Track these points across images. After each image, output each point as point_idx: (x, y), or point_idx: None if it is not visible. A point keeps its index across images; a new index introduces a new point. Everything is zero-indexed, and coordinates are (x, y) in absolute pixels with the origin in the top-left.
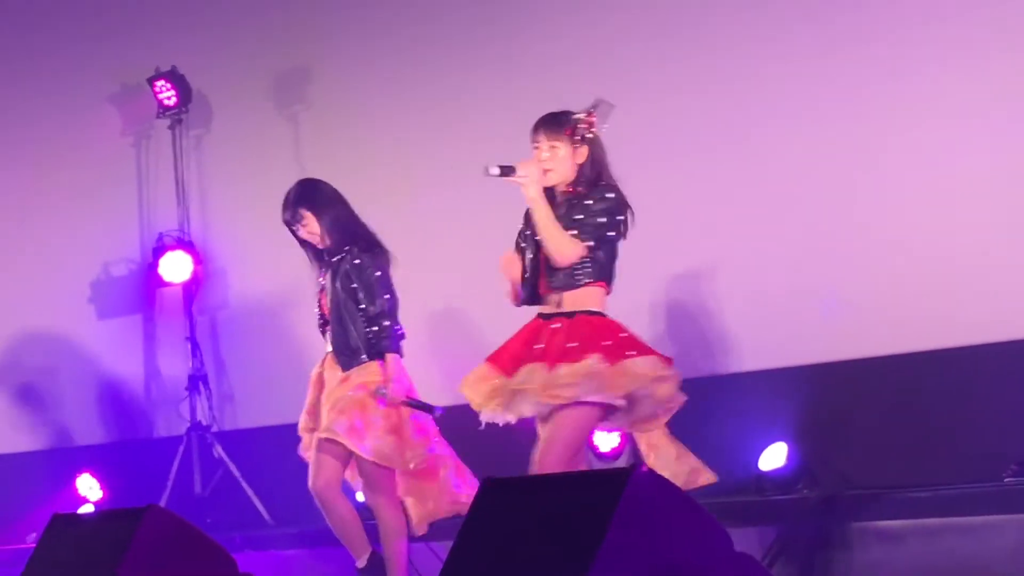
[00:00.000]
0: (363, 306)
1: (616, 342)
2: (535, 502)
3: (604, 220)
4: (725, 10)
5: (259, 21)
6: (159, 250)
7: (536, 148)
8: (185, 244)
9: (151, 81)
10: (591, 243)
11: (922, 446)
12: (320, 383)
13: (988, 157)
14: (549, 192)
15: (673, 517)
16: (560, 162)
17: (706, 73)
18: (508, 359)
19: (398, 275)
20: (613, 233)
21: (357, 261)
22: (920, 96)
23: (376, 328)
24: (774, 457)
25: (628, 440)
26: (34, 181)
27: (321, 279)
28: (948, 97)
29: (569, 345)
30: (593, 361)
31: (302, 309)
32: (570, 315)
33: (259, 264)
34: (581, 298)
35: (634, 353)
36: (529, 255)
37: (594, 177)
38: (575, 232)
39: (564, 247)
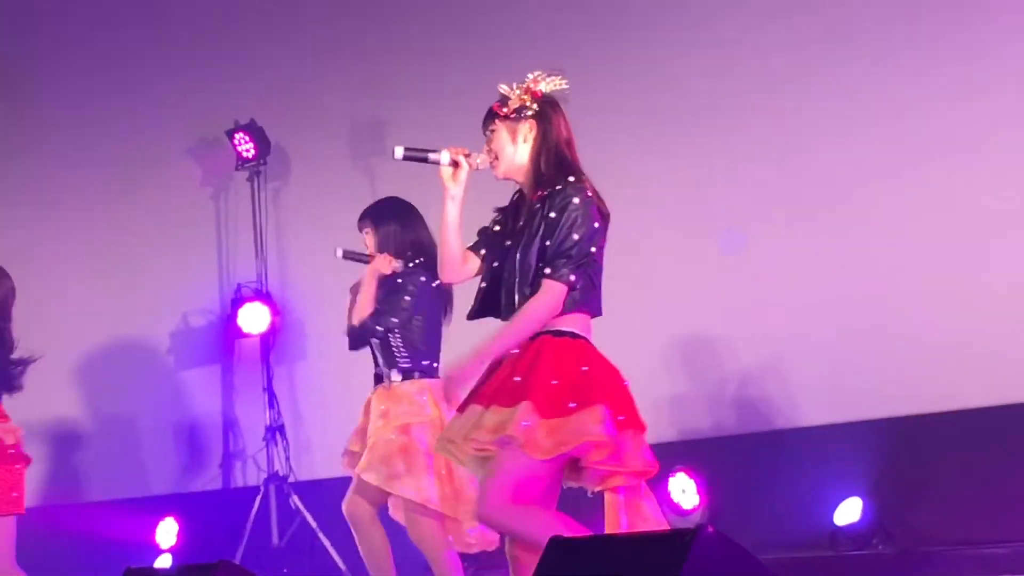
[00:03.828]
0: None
1: (564, 383)
2: (600, 562)
3: (577, 237)
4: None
5: (336, 74)
6: (237, 301)
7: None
8: (263, 295)
9: (230, 134)
10: (572, 277)
11: (998, 502)
12: (368, 408)
13: None
14: (520, 204)
15: None
16: (500, 145)
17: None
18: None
19: None
20: (594, 248)
21: (412, 287)
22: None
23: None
24: (848, 512)
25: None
26: (114, 233)
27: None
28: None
29: (515, 379)
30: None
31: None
32: (534, 337)
33: (336, 315)
34: (555, 323)
35: (574, 405)
36: (494, 262)
37: (553, 169)
38: (548, 269)
39: (538, 315)
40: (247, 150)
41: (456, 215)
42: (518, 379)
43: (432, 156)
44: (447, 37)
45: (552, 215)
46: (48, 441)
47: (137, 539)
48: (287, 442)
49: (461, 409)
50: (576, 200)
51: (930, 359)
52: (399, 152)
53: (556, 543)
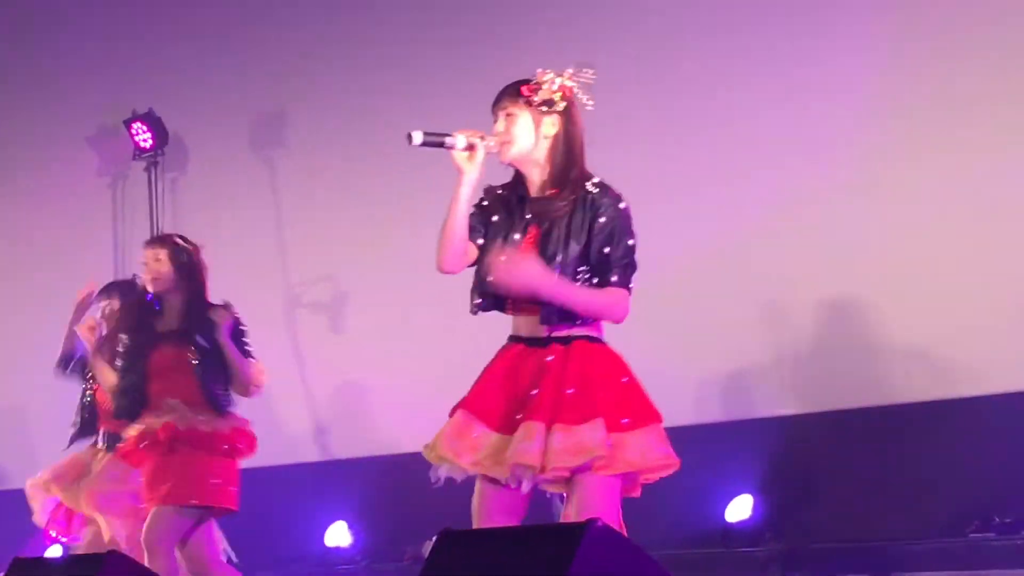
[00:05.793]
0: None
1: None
2: (491, 555)
3: (632, 243)
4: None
5: (236, 64)
6: None
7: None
8: None
9: (127, 123)
10: (632, 284)
11: (888, 500)
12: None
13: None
14: (518, 185)
15: (629, 573)
16: (520, 132)
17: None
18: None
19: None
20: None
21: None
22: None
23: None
24: (740, 509)
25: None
26: (10, 219)
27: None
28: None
29: (568, 392)
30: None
31: (272, 349)
32: (565, 341)
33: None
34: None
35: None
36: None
37: (577, 169)
38: (615, 277)
39: (611, 311)
40: (145, 140)
41: (469, 198)
42: (571, 391)
43: (448, 141)
44: (348, 26)
45: (602, 220)
46: None
47: (33, 530)
48: None
49: (491, 423)
50: (622, 206)
51: (819, 360)
52: (417, 138)
53: (447, 536)
